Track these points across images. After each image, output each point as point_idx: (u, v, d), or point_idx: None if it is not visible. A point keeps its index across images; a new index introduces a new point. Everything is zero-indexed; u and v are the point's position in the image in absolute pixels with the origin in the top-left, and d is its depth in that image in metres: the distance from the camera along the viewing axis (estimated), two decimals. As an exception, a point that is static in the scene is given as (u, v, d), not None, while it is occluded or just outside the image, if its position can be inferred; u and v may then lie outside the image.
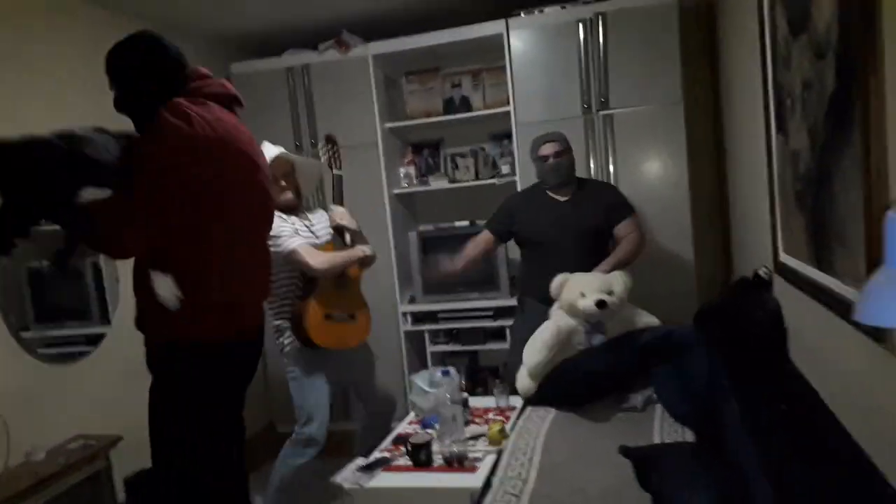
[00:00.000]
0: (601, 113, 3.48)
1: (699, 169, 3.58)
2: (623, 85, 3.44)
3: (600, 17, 3.42)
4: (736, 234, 3.47)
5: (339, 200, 2.93)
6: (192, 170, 1.78)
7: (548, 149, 3.00)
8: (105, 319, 3.12)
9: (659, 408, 2.45)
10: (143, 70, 1.87)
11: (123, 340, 3.15)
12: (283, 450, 2.79)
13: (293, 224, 2.77)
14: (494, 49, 3.64)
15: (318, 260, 2.68)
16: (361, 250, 2.79)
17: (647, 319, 2.71)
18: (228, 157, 1.88)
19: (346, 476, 2.31)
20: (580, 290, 2.62)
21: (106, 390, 3.04)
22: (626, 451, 1.90)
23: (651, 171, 3.48)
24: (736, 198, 3.34)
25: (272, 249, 2.66)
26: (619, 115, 3.46)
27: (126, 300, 3.19)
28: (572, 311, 2.64)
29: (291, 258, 2.66)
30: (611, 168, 3.49)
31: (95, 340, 3.07)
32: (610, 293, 2.61)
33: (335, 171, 2.96)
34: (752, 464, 1.57)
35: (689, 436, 2.20)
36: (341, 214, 2.86)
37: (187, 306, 1.83)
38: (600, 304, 2.56)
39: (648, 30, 3.38)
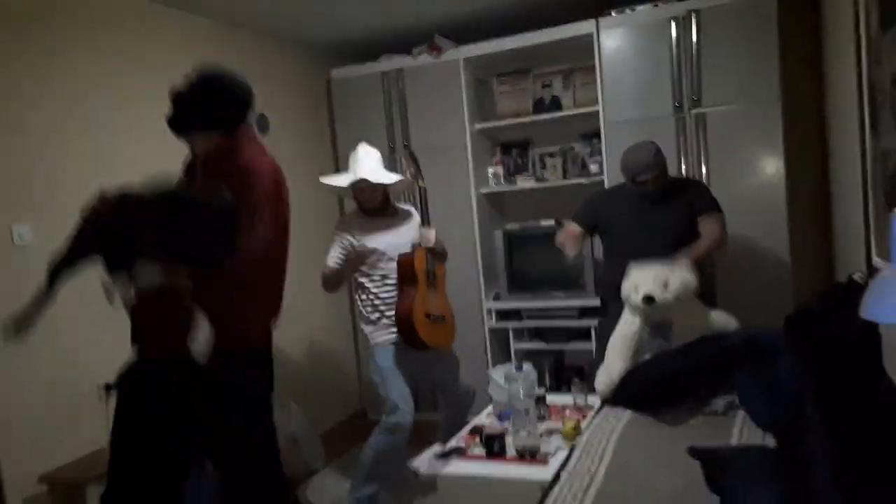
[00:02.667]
0: (693, 111, 3.41)
1: (798, 170, 3.42)
2: (717, 83, 3.36)
3: (693, 14, 3.36)
4: (836, 237, 3.31)
5: (426, 216, 3.05)
6: (277, 188, 2.01)
7: (645, 177, 2.84)
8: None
9: (741, 413, 2.39)
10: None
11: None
12: (372, 436, 2.93)
13: (360, 239, 2.94)
14: (585, 48, 3.64)
15: (324, 281, 2.98)
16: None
17: (723, 320, 2.63)
18: (283, 181, 2.09)
19: (423, 462, 2.41)
20: (635, 283, 2.56)
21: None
22: (694, 451, 1.88)
23: (745, 171, 3.37)
24: (836, 199, 3.18)
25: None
26: (713, 113, 3.38)
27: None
28: (633, 310, 2.59)
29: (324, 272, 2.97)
30: (703, 168, 3.41)
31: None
32: (664, 289, 2.51)
33: (420, 184, 3.08)
34: (826, 477, 1.53)
35: (770, 443, 2.13)
36: (432, 237, 2.98)
37: (261, 314, 2.02)
38: (647, 300, 2.48)
39: (745, 25, 3.28)
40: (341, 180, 3.00)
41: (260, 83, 3.72)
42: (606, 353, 2.67)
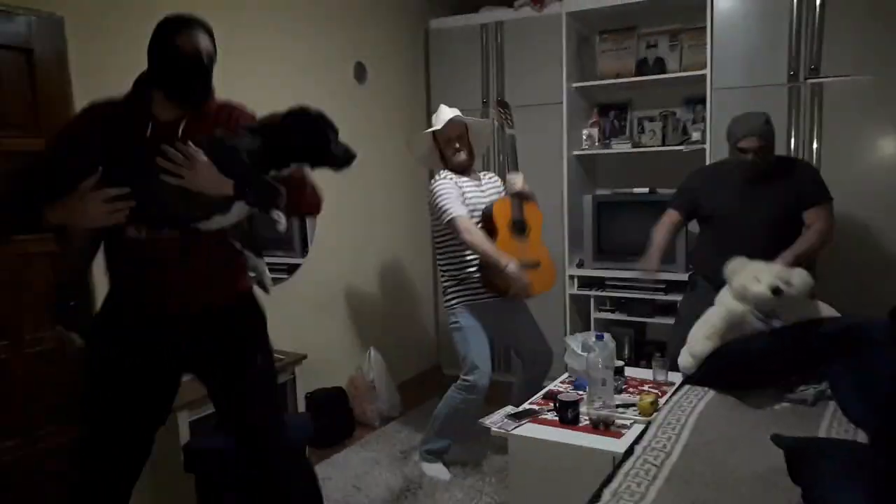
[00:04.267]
0: (809, 81, 3.18)
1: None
2: (838, 52, 3.12)
3: (818, -25, 3.10)
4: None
5: (514, 163, 3.00)
6: None
7: (750, 143, 2.70)
8: (300, 252, 3.50)
9: (832, 405, 2.27)
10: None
11: (313, 273, 3.53)
12: (449, 392, 2.98)
13: (462, 186, 2.90)
14: (696, 8, 3.44)
15: (470, 237, 2.79)
16: (507, 264, 2.75)
17: (826, 313, 2.48)
18: None
19: (495, 420, 2.42)
20: (755, 274, 2.44)
21: (296, 313, 3.43)
22: (778, 440, 1.80)
23: (863, 150, 3.14)
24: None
25: (436, 209, 2.83)
26: (831, 84, 3.14)
27: (322, 238, 3.55)
28: (743, 296, 2.45)
29: (450, 224, 2.82)
30: (814, 145, 3.19)
31: (293, 270, 3.45)
32: (788, 283, 2.40)
33: (508, 131, 3.03)
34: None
35: (861, 438, 2.03)
36: (519, 181, 2.94)
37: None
38: (776, 290, 2.36)
39: (877, -11, 3.01)
40: (428, 132, 3.01)
41: (358, 31, 3.77)
42: (692, 331, 2.58)
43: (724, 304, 2.54)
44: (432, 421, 3.05)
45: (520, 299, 2.99)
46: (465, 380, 2.91)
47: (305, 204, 2.03)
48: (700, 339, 2.53)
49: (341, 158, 1.85)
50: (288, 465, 2.13)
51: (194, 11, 1.82)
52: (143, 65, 1.81)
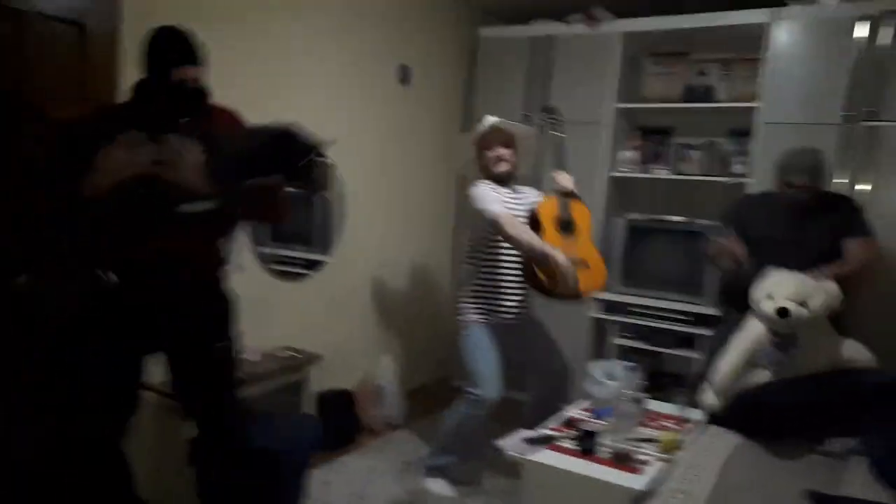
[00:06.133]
0: (865, 124, 3.07)
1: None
2: (900, 96, 3.01)
3: (887, 16, 3.00)
4: None
5: (561, 164, 2.94)
6: None
7: (800, 180, 2.64)
8: (325, 250, 3.44)
9: (861, 461, 2.17)
10: None
11: (337, 271, 3.48)
12: (456, 405, 2.90)
13: (500, 195, 2.83)
14: (752, 39, 3.35)
15: (515, 231, 2.69)
16: (557, 258, 2.62)
17: (854, 350, 2.39)
18: None
19: (511, 444, 2.35)
20: (769, 290, 2.32)
21: (314, 312, 3.38)
22: (815, 497, 1.72)
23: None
24: None
25: (476, 211, 2.76)
26: (889, 129, 3.04)
27: (348, 238, 3.50)
28: (759, 316, 2.36)
29: (493, 222, 2.72)
30: (865, 186, 3.09)
31: (314, 266, 3.40)
32: (803, 304, 2.27)
33: (558, 134, 2.97)
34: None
35: (885, 498, 1.93)
36: (566, 180, 2.87)
37: None
38: (781, 312, 2.24)
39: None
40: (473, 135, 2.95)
41: (407, 33, 3.73)
42: (719, 361, 2.49)
43: (747, 325, 2.45)
44: (439, 435, 2.98)
45: (566, 297, 2.80)
46: (471, 393, 2.83)
47: (273, 214, 2.18)
48: (723, 367, 2.45)
49: (314, 177, 1.98)
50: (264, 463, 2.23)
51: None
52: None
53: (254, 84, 2.86)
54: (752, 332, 2.44)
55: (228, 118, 2.04)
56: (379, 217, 3.75)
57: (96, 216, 1.89)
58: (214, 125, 1.96)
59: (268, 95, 2.91)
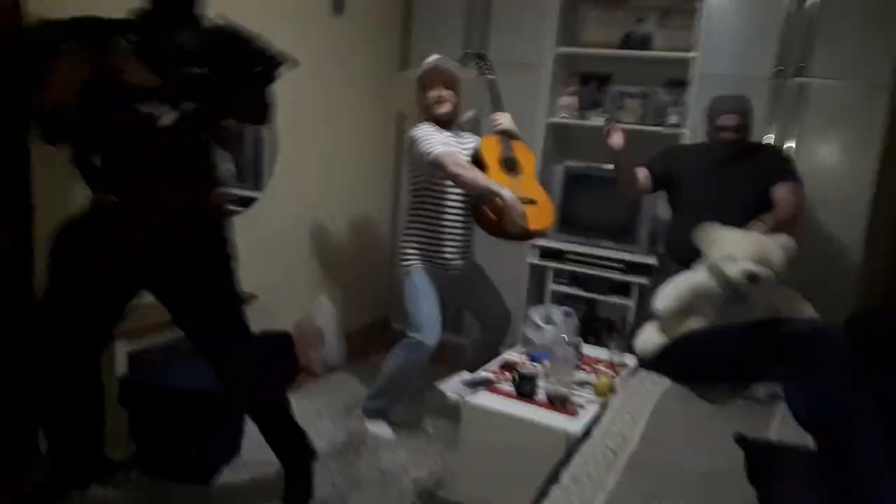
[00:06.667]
0: (795, 80, 3.16)
1: (891, 165, 3.19)
2: (828, 53, 3.09)
3: (820, -26, 3.06)
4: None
5: (498, 105, 2.91)
6: None
7: (729, 120, 2.74)
8: (257, 186, 3.32)
9: (781, 406, 2.31)
10: None
11: (270, 211, 3.36)
12: (395, 349, 2.91)
13: (444, 136, 2.78)
14: (691, -12, 3.37)
15: (460, 169, 2.65)
16: (503, 194, 2.62)
17: (802, 307, 2.47)
18: None
19: (451, 386, 2.38)
20: (731, 251, 2.35)
21: (247, 251, 3.25)
22: (742, 441, 1.82)
23: (834, 155, 3.16)
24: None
25: (417, 154, 2.71)
26: (816, 85, 3.13)
27: (281, 177, 3.38)
28: (716, 273, 2.38)
29: (435, 162, 2.67)
30: (791, 144, 3.20)
31: (245, 203, 3.27)
32: (766, 263, 2.31)
33: (489, 77, 2.94)
34: (882, 485, 1.46)
35: (808, 442, 2.07)
36: (506, 120, 2.84)
37: None
38: (752, 277, 2.27)
39: (872, -1, 2.99)
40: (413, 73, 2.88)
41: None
42: (657, 296, 2.54)
43: (697, 274, 2.47)
44: (378, 378, 2.98)
45: (514, 235, 2.78)
46: (411, 338, 2.84)
47: (249, 113, 2.15)
48: (662, 301, 2.48)
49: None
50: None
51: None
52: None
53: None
54: (702, 284, 2.44)
55: None
56: (313, 156, 3.62)
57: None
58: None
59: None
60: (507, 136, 2.85)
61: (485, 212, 2.71)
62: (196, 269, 2.08)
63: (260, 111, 2.09)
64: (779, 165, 2.83)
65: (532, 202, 2.76)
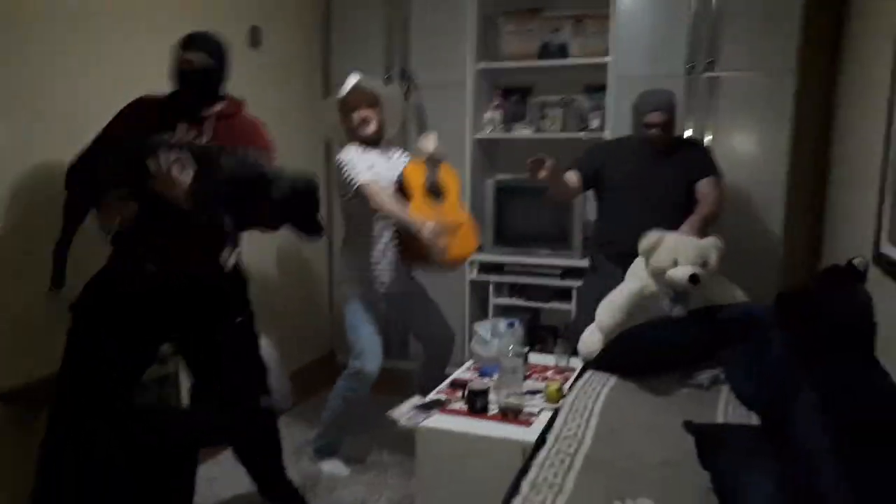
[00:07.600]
0: (706, 75, 3.28)
1: (803, 147, 3.34)
2: (734, 47, 3.23)
3: (718, -27, 3.20)
4: (830, 220, 3.27)
5: (423, 126, 2.90)
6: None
7: (656, 118, 2.80)
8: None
9: (725, 389, 2.36)
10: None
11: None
12: (338, 383, 2.85)
13: (369, 159, 2.76)
14: (601, -5, 3.46)
15: (380, 201, 2.66)
16: (420, 226, 2.63)
17: (735, 293, 2.57)
18: None
19: (403, 412, 2.33)
20: (674, 256, 2.46)
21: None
22: (690, 426, 1.84)
23: (749, 143, 3.29)
24: (838, 182, 3.13)
25: (343, 181, 2.68)
26: (726, 78, 3.26)
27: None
28: (659, 277, 2.50)
29: (358, 192, 2.66)
30: (708, 136, 3.31)
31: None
32: (704, 264, 2.45)
33: (414, 98, 2.95)
34: (822, 451, 1.49)
35: (754, 420, 2.11)
36: (430, 143, 2.82)
37: None
38: (694, 279, 2.41)
39: (770, -8, 3.14)
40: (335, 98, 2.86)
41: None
42: (600, 308, 2.59)
43: (637, 283, 2.55)
44: (323, 414, 2.91)
45: (441, 266, 2.81)
46: (352, 366, 2.79)
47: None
48: (607, 320, 2.54)
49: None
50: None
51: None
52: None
53: (88, 51, 2.58)
54: (644, 291, 2.54)
55: (251, 128, 2.25)
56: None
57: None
58: (238, 129, 2.18)
59: (106, 64, 2.63)
60: (432, 160, 2.84)
61: (408, 243, 2.71)
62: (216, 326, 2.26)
63: (316, 230, 2.24)
64: (701, 160, 2.92)
65: (456, 229, 2.78)
